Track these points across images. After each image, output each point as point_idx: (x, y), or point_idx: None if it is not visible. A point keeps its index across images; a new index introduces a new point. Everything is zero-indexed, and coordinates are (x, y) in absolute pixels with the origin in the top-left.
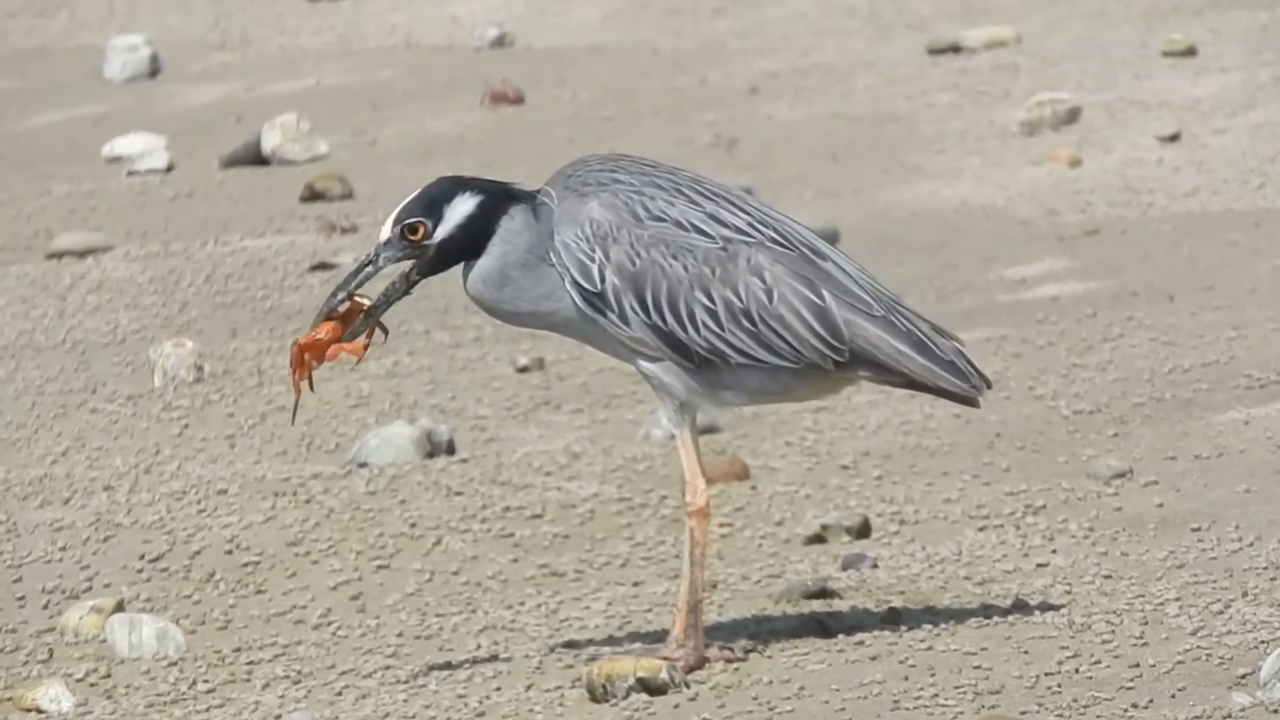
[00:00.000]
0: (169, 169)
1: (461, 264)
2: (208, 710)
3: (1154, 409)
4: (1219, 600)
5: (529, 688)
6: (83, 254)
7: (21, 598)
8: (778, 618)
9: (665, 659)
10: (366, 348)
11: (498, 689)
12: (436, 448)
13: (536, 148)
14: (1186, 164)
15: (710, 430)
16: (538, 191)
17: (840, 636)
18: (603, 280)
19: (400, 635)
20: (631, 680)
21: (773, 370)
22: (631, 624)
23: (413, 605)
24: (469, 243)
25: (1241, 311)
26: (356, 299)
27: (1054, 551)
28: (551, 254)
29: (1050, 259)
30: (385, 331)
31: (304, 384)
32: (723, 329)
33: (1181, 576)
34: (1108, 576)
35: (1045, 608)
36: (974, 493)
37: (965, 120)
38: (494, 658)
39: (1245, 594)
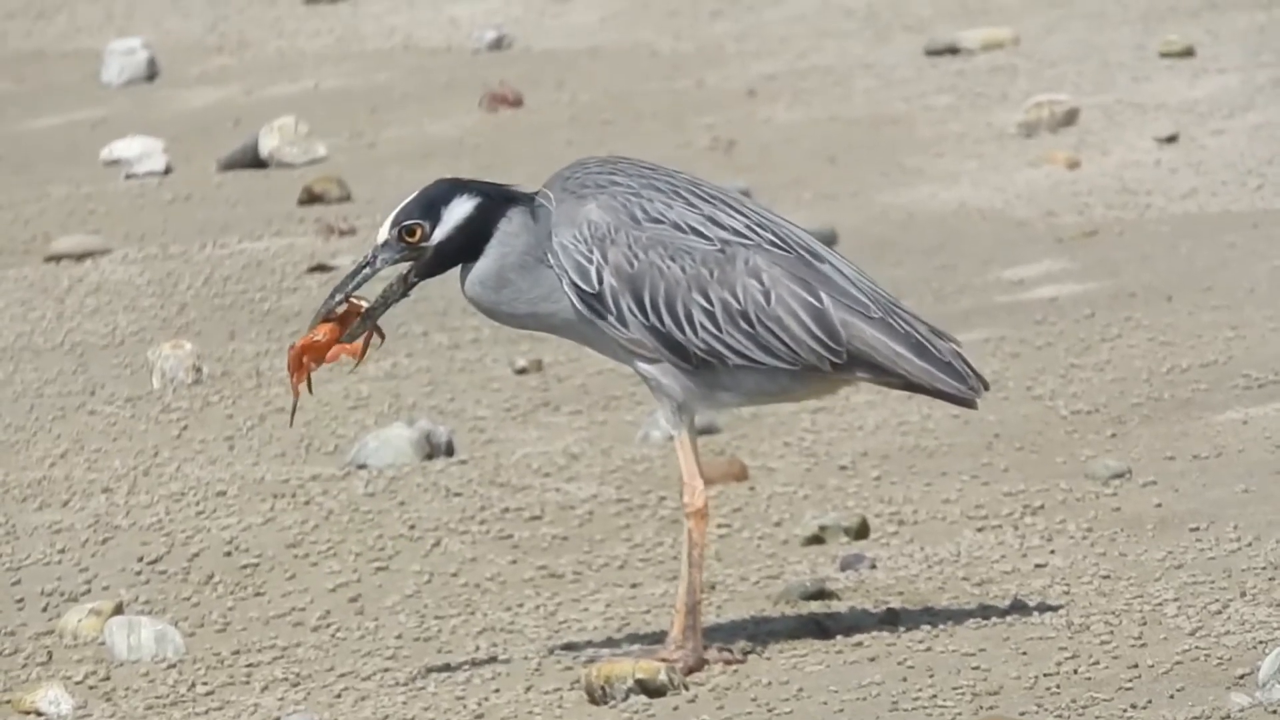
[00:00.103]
0: (167, 172)
1: (459, 266)
2: (207, 713)
3: (1152, 409)
4: (1217, 600)
5: (528, 689)
6: (81, 257)
7: (20, 600)
8: (776, 619)
9: (664, 660)
10: (365, 351)
11: (496, 691)
12: (435, 449)
13: (535, 150)
14: (1184, 165)
15: (709, 431)
16: (536, 194)
17: (839, 637)
18: (601, 282)
19: (399, 637)
20: (630, 682)
21: (770, 371)
22: (630, 625)
23: (412, 607)
24: (467, 245)
25: (1239, 312)
26: (354, 301)
27: (1052, 552)
28: (550, 256)
29: (1048, 260)
30: (382, 335)
31: (302, 387)
32: (720, 330)
33: (1180, 577)
34: (1106, 577)
35: (1044, 608)
36: (972, 493)
37: (963, 122)
38: (493, 659)
39: (1244, 594)
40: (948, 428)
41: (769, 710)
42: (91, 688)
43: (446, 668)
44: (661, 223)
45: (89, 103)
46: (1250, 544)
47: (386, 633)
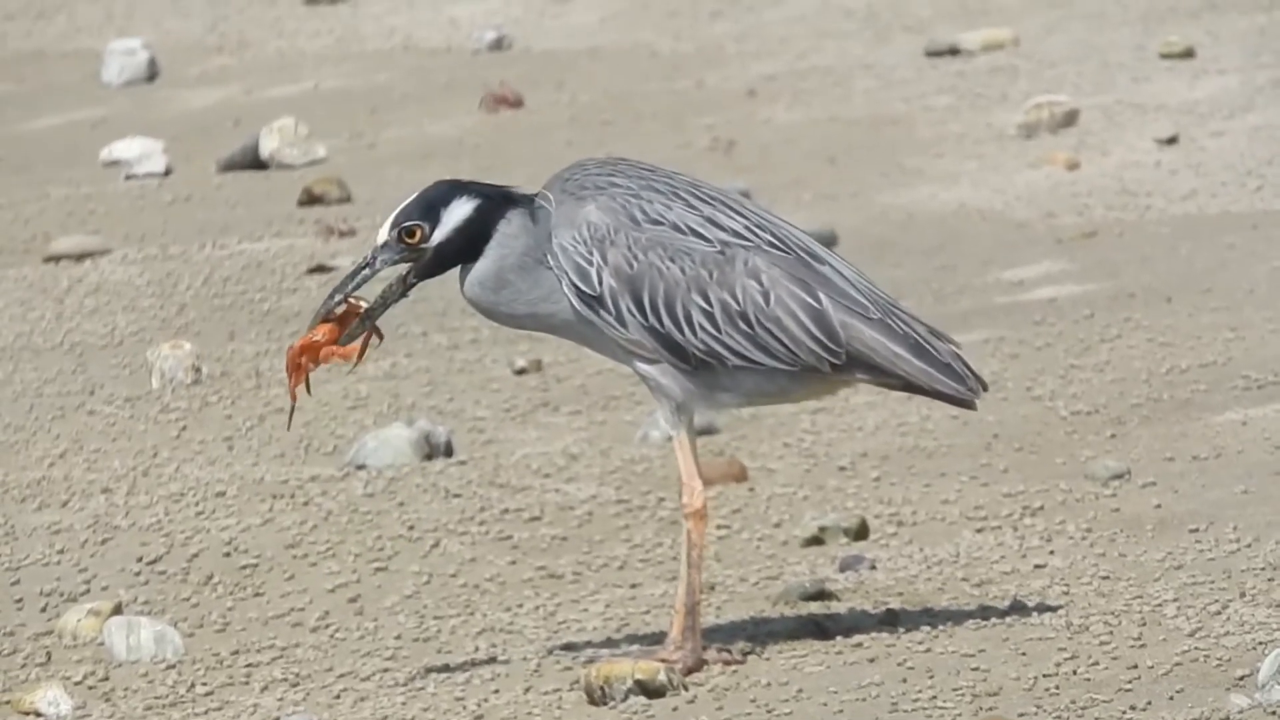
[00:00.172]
0: (167, 173)
1: (458, 267)
2: (206, 713)
3: (1152, 410)
4: (1217, 601)
5: (527, 690)
6: (80, 257)
7: (19, 600)
8: (775, 619)
9: (663, 661)
10: (363, 354)
11: (496, 691)
12: (434, 450)
13: (535, 151)
14: (1184, 166)
15: (708, 432)
16: (535, 195)
17: (838, 638)
18: (600, 283)
19: (398, 637)
20: (629, 682)
21: (769, 372)
22: (629, 626)
23: (411, 607)
24: (466, 246)
25: (1239, 313)
26: (353, 301)
27: (1052, 553)
28: (549, 257)
29: (1048, 261)
30: (380, 336)
31: (300, 389)
32: (720, 331)
33: (1179, 577)
34: (1105, 578)
35: (1043, 609)
36: (972, 494)
37: (963, 123)
38: (492, 660)
39: (1243, 595)
40: (947, 429)
41: (768, 711)
42: (90, 688)
43: (446, 668)
44: (661, 224)
45: (89, 103)
46: (1250, 545)
47: (386, 633)
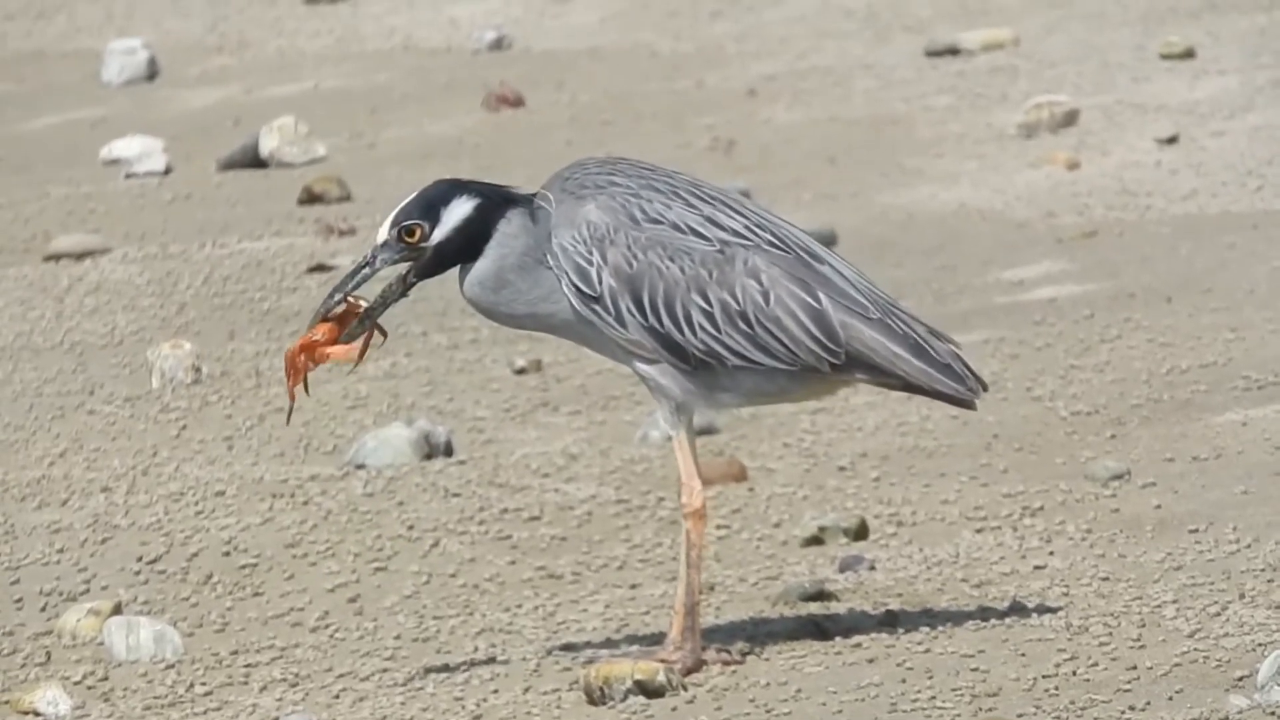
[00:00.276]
0: (167, 172)
1: (458, 266)
2: (205, 713)
3: (1152, 410)
4: (1216, 602)
5: (526, 690)
6: (80, 256)
7: (19, 600)
8: (775, 620)
9: (663, 661)
10: (364, 353)
11: (495, 691)
12: (434, 449)
13: (535, 150)
14: (1184, 166)
15: (708, 431)
16: (535, 194)
17: (838, 639)
18: (600, 282)
19: (398, 637)
20: (629, 682)
21: (769, 372)
22: (629, 626)
23: (410, 607)
24: (466, 245)
25: (1239, 313)
26: (353, 301)
27: (1051, 553)
28: (549, 256)
29: (1048, 261)
30: (384, 333)
31: (299, 389)
32: (719, 331)
33: (1179, 578)
34: (1105, 578)
35: (1043, 610)
36: (971, 494)
37: (963, 123)
38: (491, 660)
39: (1243, 596)
40: (947, 429)
41: (767, 711)
42: (90, 688)
43: (445, 668)
44: (661, 223)
45: (89, 102)
46: (1249, 546)
47: (385, 633)
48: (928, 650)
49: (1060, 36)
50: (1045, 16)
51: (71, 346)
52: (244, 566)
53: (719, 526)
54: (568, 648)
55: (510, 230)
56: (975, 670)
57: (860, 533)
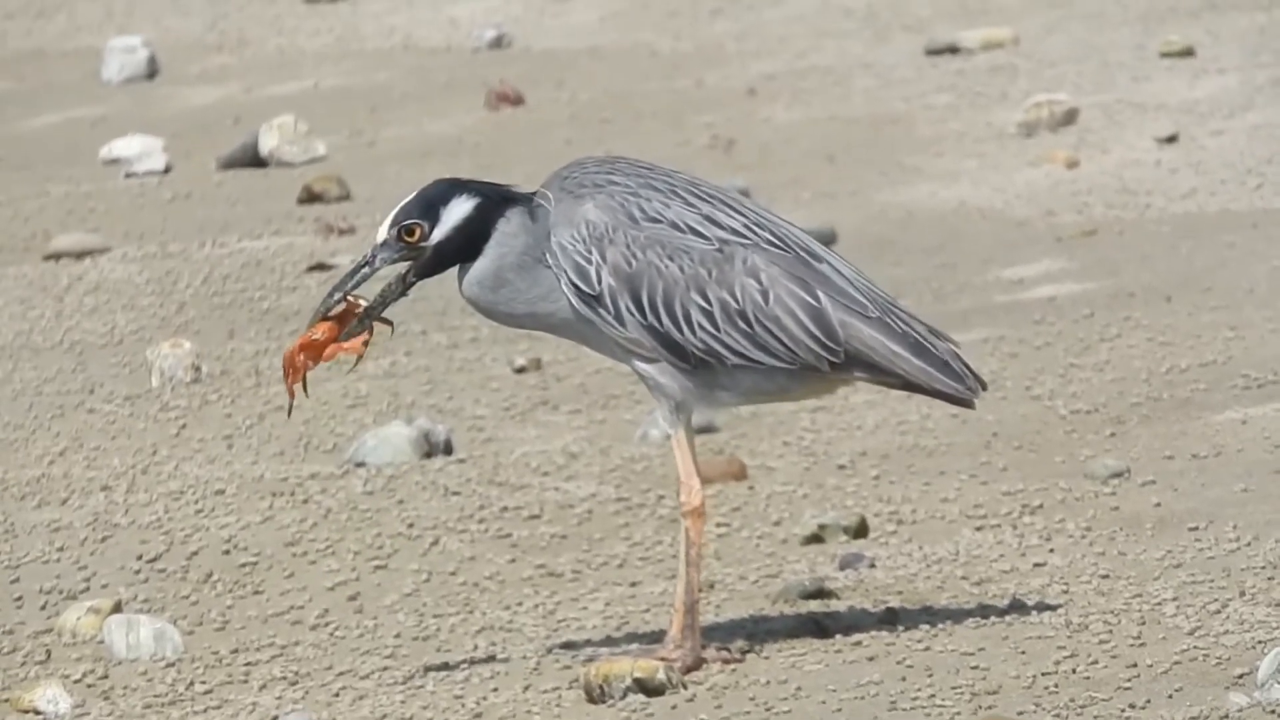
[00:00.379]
0: (167, 170)
1: (457, 265)
2: (205, 711)
3: (1151, 409)
4: (1216, 600)
5: (526, 688)
6: (80, 255)
7: (19, 598)
8: (775, 618)
9: (662, 659)
10: (366, 344)
11: (495, 690)
12: (434, 448)
13: (535, 149)
14: (1184, 165)
15: (708, 430)
16: (534, 194)
17: (837, 637)
18: (599, 281)
19: (398, 636)
20: (629, 681)
21: (768, 371)
22: (629, 624)
23: (410, 606)
24: (465, 244)
25: (1239, 312)
26: (352, 300)
27: (1051, 551)
28: (548, 255)
29: (1047, 260)
30: (390, 325)
31: (297, 387)
32: (718, 330)
33: (1179, 576)
34: (1105, 576)
35: (1042, 608)
36: (971, 492)
37: (963, 121)
38: (491, 658)
39: (1242, 594)
40: (947, 427)
41: (767, 709)
42: (90, 686)
43: (445, 666)
44: (659, 222)
45: (89, 101)
46: (1249, 543)
47: (385, 631)
48: (928, 648)
49: (1060, 35)
50: (1045, 15)
51: (71, 345)
52: (244, 565)
53: (719, 524)
54: (568, 646)
55: (509, 229)
56: (975, 668)
57: (860, 531)
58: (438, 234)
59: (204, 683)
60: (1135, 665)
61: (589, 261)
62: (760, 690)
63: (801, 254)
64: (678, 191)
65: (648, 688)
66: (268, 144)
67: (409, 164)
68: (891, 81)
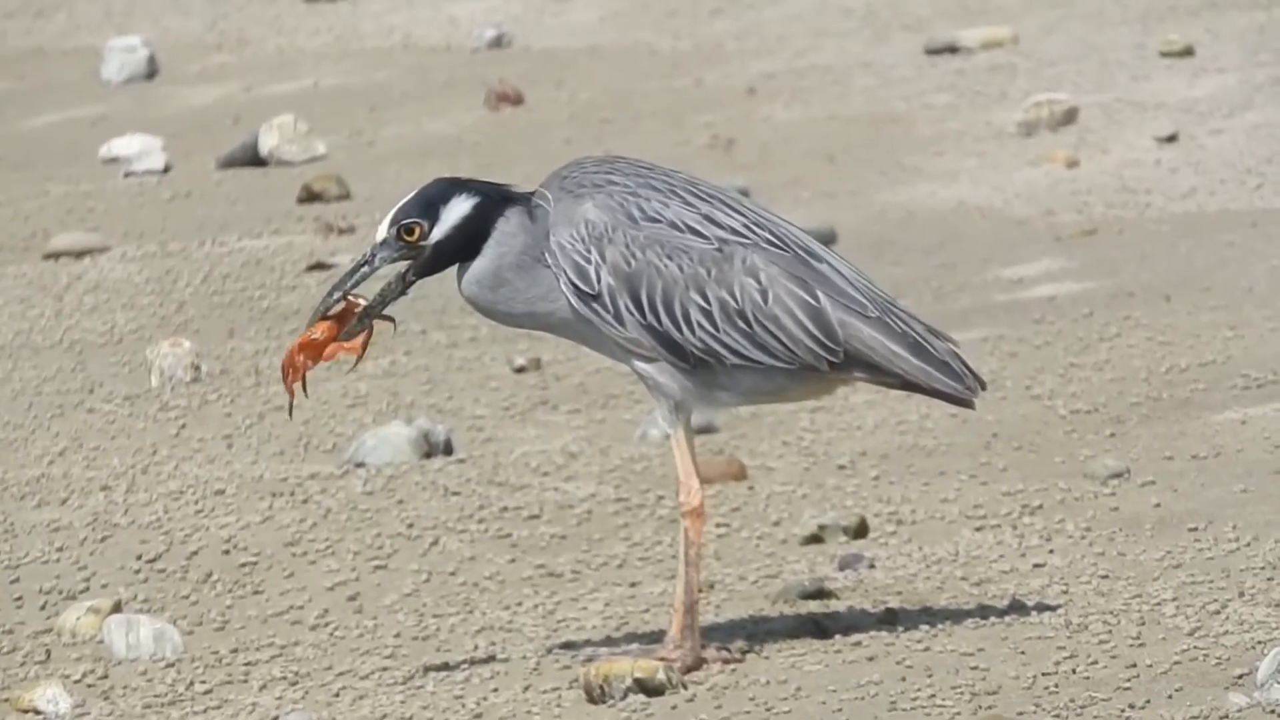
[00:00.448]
0: (166, 170)
1: (457, 265)
2: (205, 711)
3: (1151, 409)
4: (1216, 600)
5: (526, 688)
6: (80, 254)
7: (19, 598)
8: (775, 618)
9: (662, 660)
10: (366, 344)
11: (495, 690)
12: (434, 448)
13: (534, 149)
14: (1183, 164)
15: (707, 430)
16: (533, 193)
17: (837, 637)
18: (598, 281)
19: (398, 636)
20: (629, 681)
21: (767, 371)
22: (629, 624)
23: (410, 606)
24: (465, 244)
25: (1238, 311)
26: (352, 299)
27: (1051, 551)
28: (547, 255)
29: (1047, 259)
30: (393, 322)
31: (296, 387)
32: (718, 330)
33: (1178, 576)
34: (1105, 576)
35: (1042, 608)
36: (971, 493)
37: (962, 121)
38: (491, 658)
39: (1242, 594)
40: (946, 427)
41: (767, 709)
42: (90, 686)
43: (445, 666)
44: (659, 222)
45: (88, 100)
46: (1249, 544)
47: (385, 631)
48: (927, 648)
49: (1060, 35)
50: (1045, 15)
51: (71, 345)
52: (244, 565)
53: (719, 525)
54: (567, 646)
55: (508, 229)
56: (975, 668)
57: (860, 531)
58: (437, 233)
59: (204, 683)
60: (1135, 665)
61: (588, 261)
62: (760, 690)
63: (801, 254)
64: (677, 191)
65: (648, 688)
66: (267, 143)
67: (409, 163)
68: (891, 81)
